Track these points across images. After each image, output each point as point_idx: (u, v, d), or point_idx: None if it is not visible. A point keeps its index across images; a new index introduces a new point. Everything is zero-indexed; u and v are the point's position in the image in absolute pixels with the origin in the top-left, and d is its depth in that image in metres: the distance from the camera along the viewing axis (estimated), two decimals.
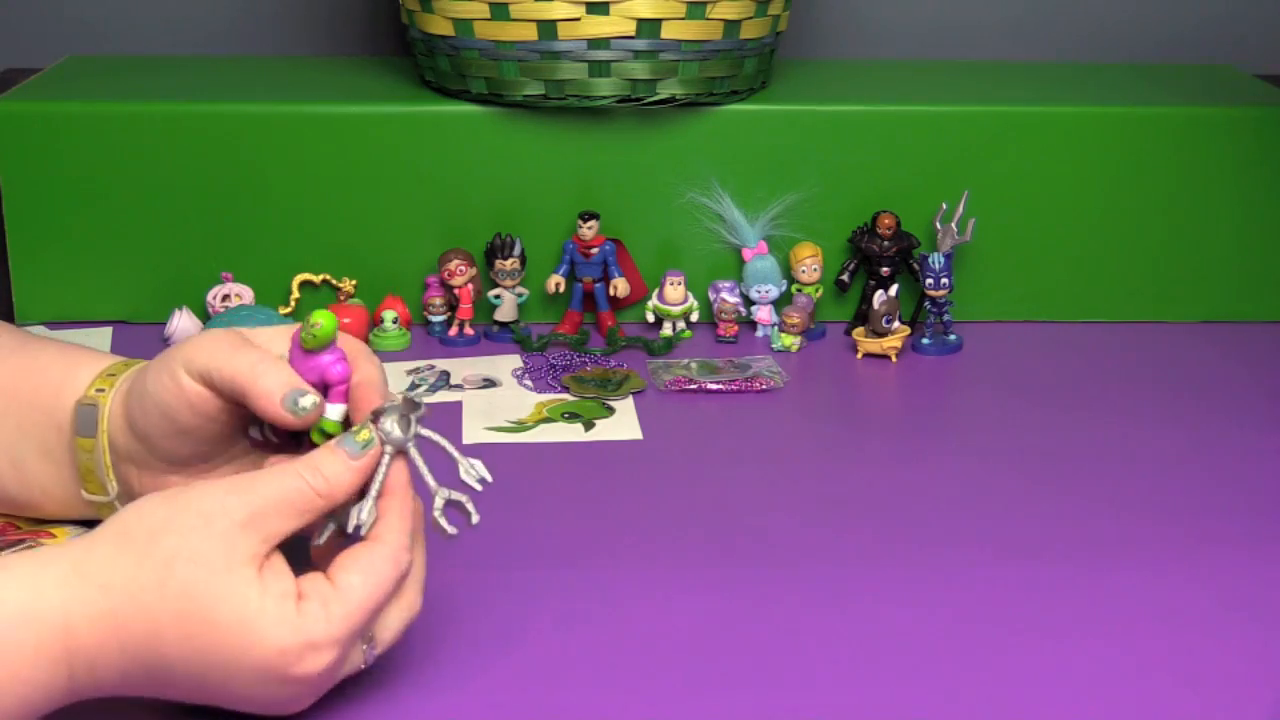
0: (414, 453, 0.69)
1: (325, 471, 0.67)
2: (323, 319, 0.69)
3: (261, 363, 0.69)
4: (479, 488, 0.70)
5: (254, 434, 0.75)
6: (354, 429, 0.68)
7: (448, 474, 0.71)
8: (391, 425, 0.68)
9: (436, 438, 0.70)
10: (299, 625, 0.64)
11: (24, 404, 0.78)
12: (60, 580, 0.63)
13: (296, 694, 0.65)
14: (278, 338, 0.73)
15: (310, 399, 0.69)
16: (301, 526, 0.67)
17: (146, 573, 0.63)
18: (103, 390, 0.76)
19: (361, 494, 0.68)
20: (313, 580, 0.65)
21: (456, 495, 0.70)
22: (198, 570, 0.63)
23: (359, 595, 0.65)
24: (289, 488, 0.66)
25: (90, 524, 0.81)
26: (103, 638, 0.63)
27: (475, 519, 0.71)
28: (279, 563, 0.65)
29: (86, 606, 0.63)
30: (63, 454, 0.77)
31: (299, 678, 0.64)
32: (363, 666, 0.68)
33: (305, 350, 0.70)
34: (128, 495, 0.76)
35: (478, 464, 0.70)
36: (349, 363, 0.70)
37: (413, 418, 0.69)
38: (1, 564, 0.63)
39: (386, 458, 0.68)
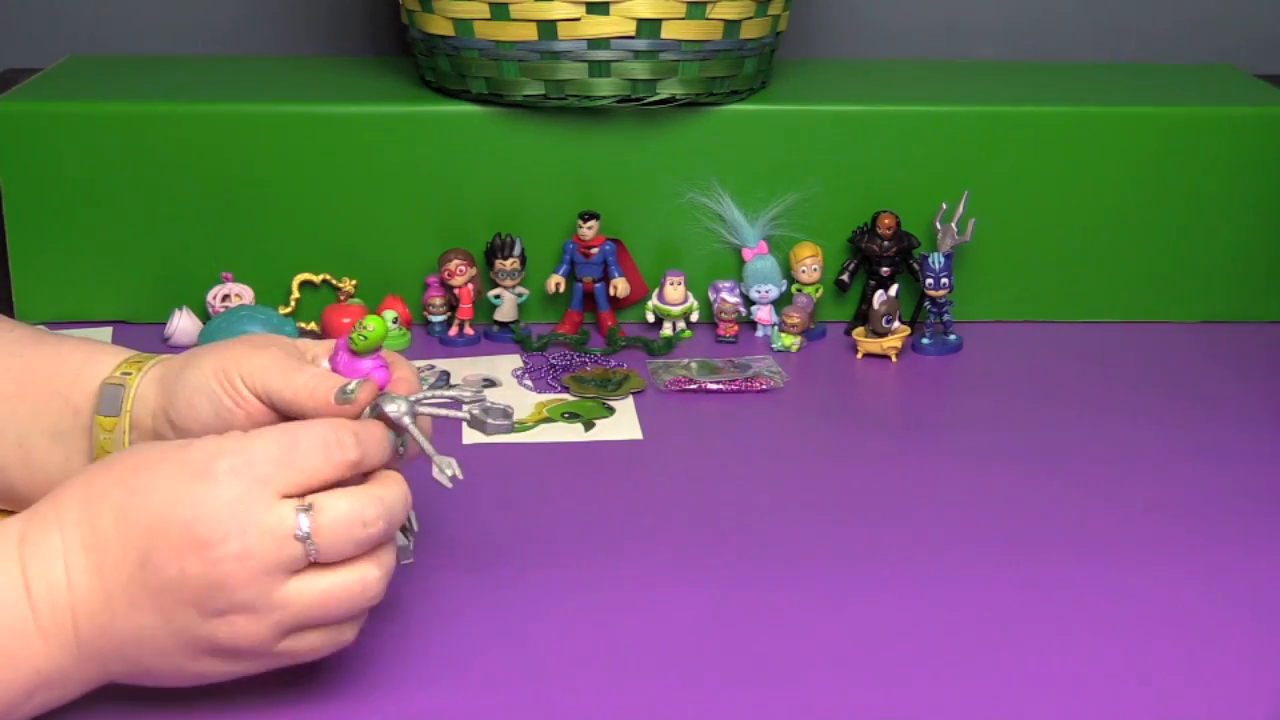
0: (411, 427, 0.70)
1: (347, 423, 0.68)
2: (374, 324, 0.71)
3: (320, 385, 0.71)
4: (449, 485, 0.70)
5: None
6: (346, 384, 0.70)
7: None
8: (391, 404, 0.70)
9: (415, 432, 0.70)
10: (245, 459, 0.65)
11: (41, 389, 0.78)
12: (27, 515, 0.66)
13: (214, 508, 0.64)
14: (325, 351, 0.75)
15: (354, 383, 0.70)
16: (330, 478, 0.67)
17: (103, 465, 0.66)
18: (129, 373, 0.77)
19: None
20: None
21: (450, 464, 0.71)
22: (148, 451, 0.66)
23: (317, 456, 0.65)
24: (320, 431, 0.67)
25: None
26: (46, 526, 0.65)
27: (458, 475, 0.70)
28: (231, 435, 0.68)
29: (37, 510, 0.66)
30: (75, 436, 0.78)
31: (204, 469, 0.64)
32: (298, 533, 0.64)
33: (352, 352, 0.72)
34: None
35: (452, 462, 0.70)
36: (389, 367, 0.72)
37: (412, 403, 0.70)
38: None
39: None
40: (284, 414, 0.72)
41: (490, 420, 0.71)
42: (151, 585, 0.64)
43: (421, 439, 0.70)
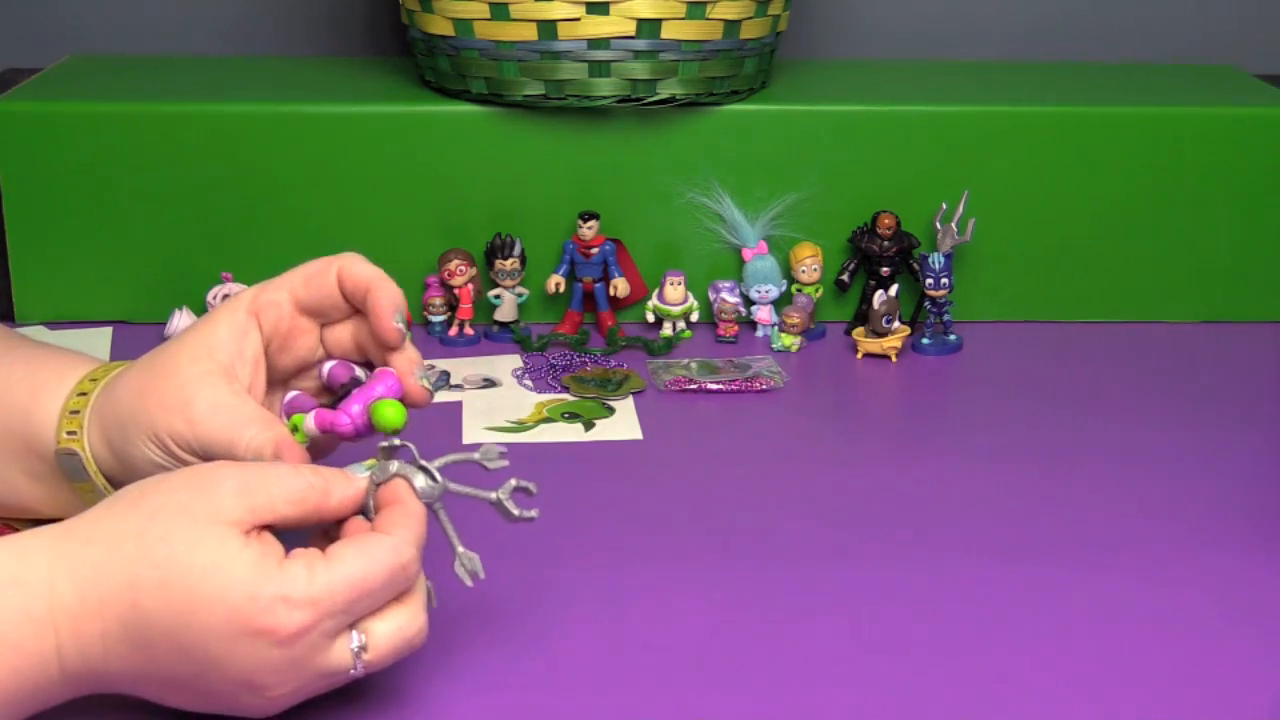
0: (439, 509, 0.70)
1: (332, 483, 0.67)
2: (394, 410, 0.71)
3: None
4: (469, 582, 0.70)
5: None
6: (368, 462, 0.69)
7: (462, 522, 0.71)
8: (405, 469, 0.69)
9: (445, 521, 0.70)
10: (276, 577, 0.62)
11: (6, 435, 0.77)
12: (47, 545, 0.63)
13: (272, 663, 0.63)
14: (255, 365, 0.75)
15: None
16: (291, 519, 0.66)
17: (130, 524, 0.63)
18: (74, 433, 0.75)
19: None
20: (304, 552, 0.65)
21: (471, 556, 0.70)
22: (178, 518, 0.63)
23: (348, 568, 0.64)
24: (286, 472, 0.66)
25: None
26: (83, 590, 0.62)
27: (480, 575, 0.70)
28: (270, 537, 0.65)
29: (69, 560, 0.63)
30: (49, 478, 0.77)
31: (269, 629, 0.62)
32: (352, 672, 0.65)
33: (361, 428, 0.72)
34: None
35: (475, 558, 0.70)
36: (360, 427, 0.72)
37: (428, 473, 0.69)
38: None
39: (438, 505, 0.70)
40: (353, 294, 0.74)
41: (517, 511, 0.70)
42: (199, 688, 0.64)
43: (451, 530, 0.70)
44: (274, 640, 0.62)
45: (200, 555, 0.62)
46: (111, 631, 0.63)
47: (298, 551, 0.64)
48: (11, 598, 0.62)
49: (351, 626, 0.65)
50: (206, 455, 0.71)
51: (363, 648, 0.65)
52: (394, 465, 0.69)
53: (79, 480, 0.75)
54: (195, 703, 0.65)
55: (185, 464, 0.71)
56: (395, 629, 0.66)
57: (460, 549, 0.70)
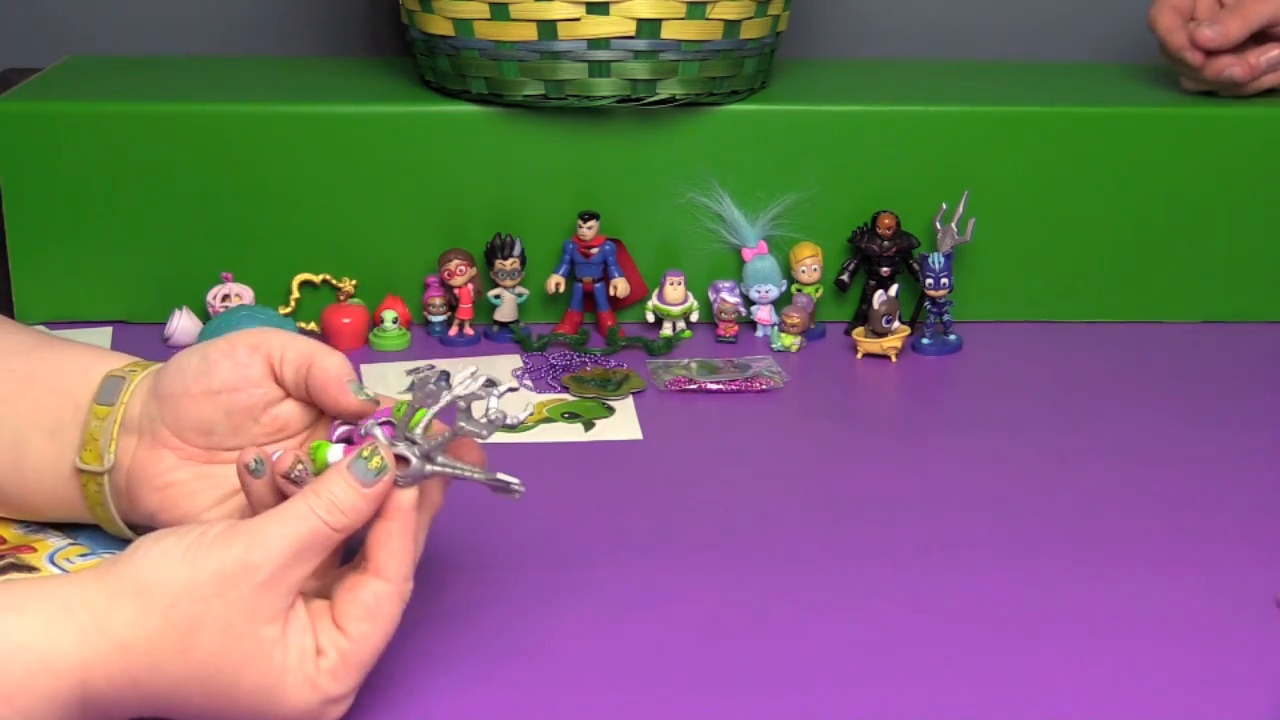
0: (437, 468, 0.68)
1: (340, 505, 0.66)
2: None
3: (324, 347, 0.74)
4: (518, 489, 0.69)
5: (249, 464, 0.72)
6: (362, 450, 0.67)
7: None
8: (418, 462, 0.68)
9: (444, 469, 0.69)
10: (321, 684, 0.65)
11: (43, 386, 0.79)
12: (79, 635, 0.62)
13: None
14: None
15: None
16: (321, 561, 0.66)
17: (170, 640, 0.63)
18: (134, 370, 0.78)
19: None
20: (328, 632, 0.65)
21: (502, 476, 0.69)
22: (223, 638, 0.63)
23: (373, 643, 0.66)
24: (305, 529, 0.65)
25: (68, 528, 0.82)
26: (120, 693, 0.63)
27: (519, 490, 0.70)
28: (301, 614, 0.65)
29: (106, 664, 0.63)
30: (71, 431, 0.78)
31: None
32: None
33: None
34: (118, 469, 0.77)
35: (499, 476, 0.69)
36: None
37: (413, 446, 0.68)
38: (17, 605, 0.63)
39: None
40: (283, 371, 0.74)
41: (504, 476, 0.70)
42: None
43: (458, 471, 0.69)
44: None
45: (249, 675, 0.64)
46: (147, 717, 0.65)
47: (324, 643, 0.65)
48: (42, 685, 0.62)
49: None
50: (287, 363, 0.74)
51: None
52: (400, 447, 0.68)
53: (105, 403, 0.77)
54: None
55: (226, 351, 0.74)
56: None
57: (481, 476, 0.69)
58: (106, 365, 0.79)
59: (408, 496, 0.68)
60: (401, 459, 0.68)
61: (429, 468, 0.68)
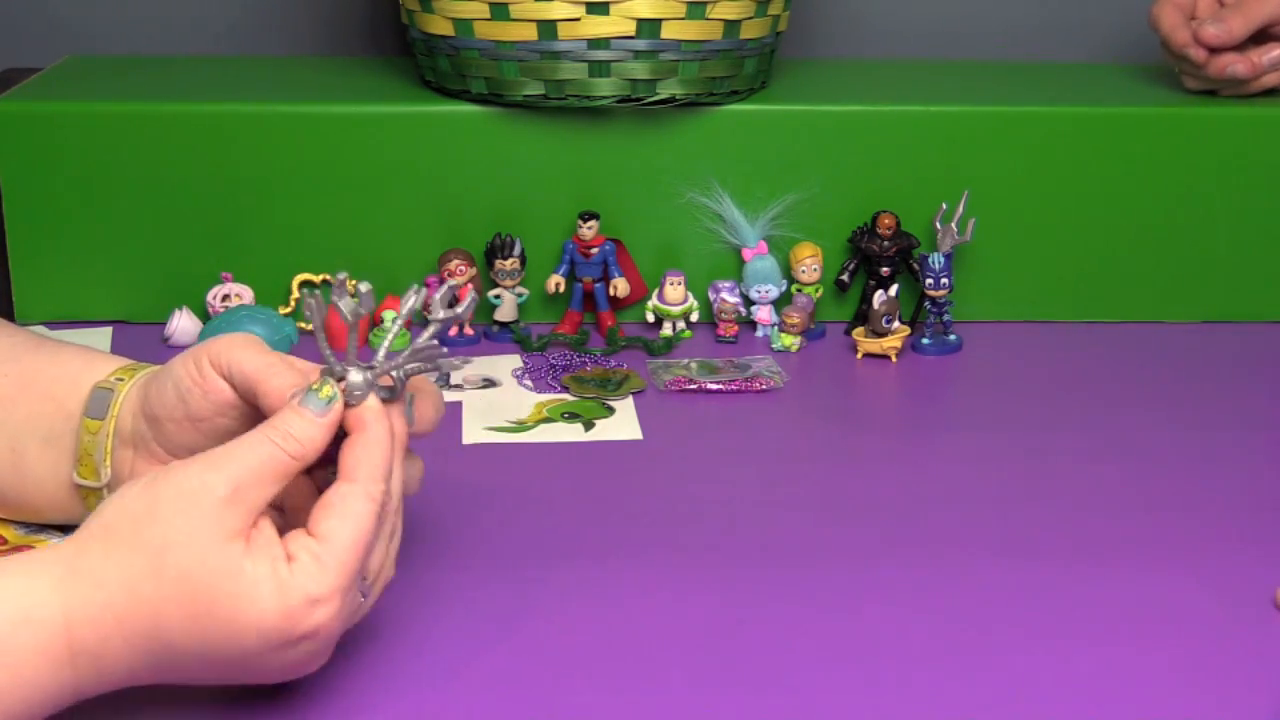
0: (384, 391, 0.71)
1: (296, 434, 0.68)
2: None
3: (277, 365, 0.72)
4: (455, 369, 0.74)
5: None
6: (314, 384, 0.69)
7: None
8: (357, 375, 0.70)
9: (392, 361, 0.71)
10: (296, 584, 0.65)
11: (37, 393, 0.79)
12: (55, 582, 0.63)
13: (311, 650, 0.66)
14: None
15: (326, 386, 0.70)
16: (281, 488, 0.67)
17: (140, 562, 0.64)
18: (122, 379, 0.78)
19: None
20: (296, 538, 0.66)
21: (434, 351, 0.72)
22: (190, 552, 0.64)
23: (344, 539, 0.66)
24: (264, 455, 0.67)
25: (69, 529, 0.81)
26: (105, 632, 0.63)
27: (455, 365, 0.74)
28: (267, 529, 0.66)
29: (85, 605, 0.63)
30: (66, 440, 0.78)
31: (308, 633, 0.65)
32: (363, 601, 0.69)
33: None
34: (117, 482, 0.77)
35: (436, 356, 0.72)
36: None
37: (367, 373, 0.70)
38: None
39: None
40: (241, 393, 0.73)
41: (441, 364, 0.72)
42: (237, 679, 0.67)
43: (396, 363, 0.72)
44: (316, 639, 0.66)
45: (222, 587, 0.64)
46: (139, 663, 0.65)
47: (294, 548, 0.66)
48: (27, 638, 0.62)
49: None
50: (238, 376, 0.73)
51: (365, 582, 0.68)
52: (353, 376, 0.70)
53: (95, 417, 0.77)
54: (228, 683, 0.68)
55: (195, 380, 0.73)
56: (386, 550, 0.70)
57: (419, 361, 0.72)
58: (96, 371, 0.79)
59: (369, 408, 0.69)
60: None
61: (368, 374, 0.70)
